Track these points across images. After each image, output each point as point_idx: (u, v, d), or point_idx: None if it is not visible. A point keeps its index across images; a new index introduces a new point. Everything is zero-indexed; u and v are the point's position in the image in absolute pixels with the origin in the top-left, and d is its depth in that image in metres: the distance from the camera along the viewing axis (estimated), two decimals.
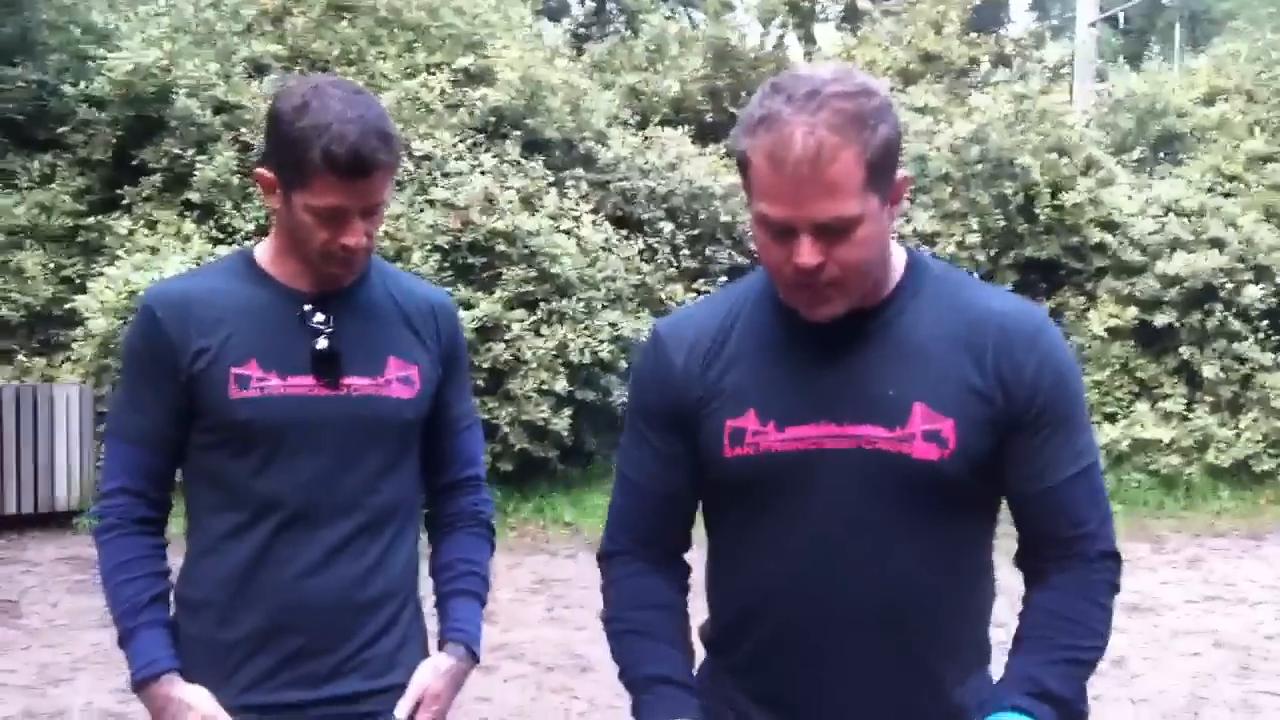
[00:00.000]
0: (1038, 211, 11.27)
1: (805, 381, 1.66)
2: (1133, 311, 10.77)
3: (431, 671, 2.19)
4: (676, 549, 1.86)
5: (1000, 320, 1.67)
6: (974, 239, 11.25)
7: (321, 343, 2.09)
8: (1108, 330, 10.79)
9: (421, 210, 9.53)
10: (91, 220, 10.25)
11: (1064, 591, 1.68)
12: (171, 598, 2.14)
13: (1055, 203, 11.24)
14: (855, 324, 1.66)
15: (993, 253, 11.41)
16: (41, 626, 5.96)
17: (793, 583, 1.69)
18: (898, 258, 1.71)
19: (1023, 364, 1.65)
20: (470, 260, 9.48)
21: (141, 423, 2.12)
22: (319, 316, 2.11)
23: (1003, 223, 11.38)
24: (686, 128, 12.01)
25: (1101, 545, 1.68)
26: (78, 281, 9.85)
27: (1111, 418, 10.45)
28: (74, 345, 9.25)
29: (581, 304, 9.45)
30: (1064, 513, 1.67)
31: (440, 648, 2.24)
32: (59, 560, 6.79)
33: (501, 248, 9.44)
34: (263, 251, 2.16)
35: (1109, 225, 11.19)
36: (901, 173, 1.62)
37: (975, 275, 8.79)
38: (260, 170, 2.07)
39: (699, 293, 10.30)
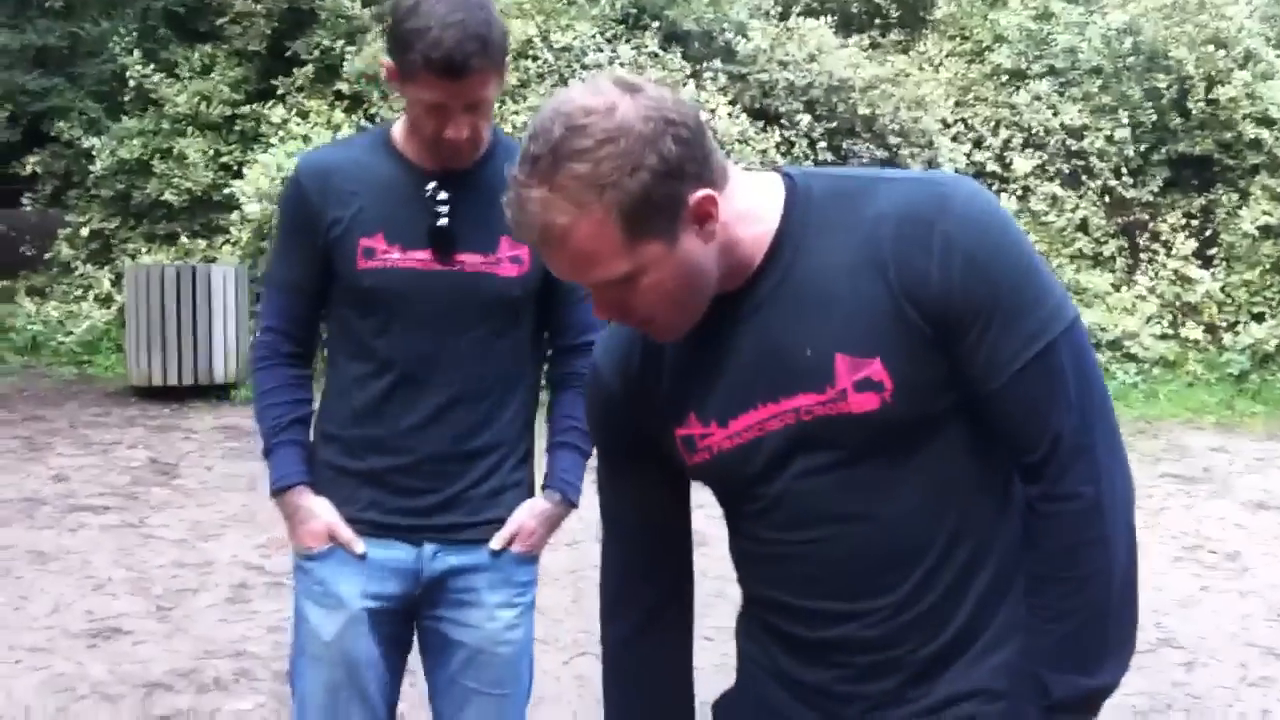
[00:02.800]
0: (1190, 106, 10.93)
1: (730, 369, 1.55)
2: None
3: (528, 511, 2.42)
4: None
5: (893, 224, 1.47)
6: (1123, 134, 10.99)
7: (441, 221, 2.31)
8: (1259, 229, 10.48)
9: None
10: (247, 109, 10.66)
11: (1041, 550, 1.52)
12: (312, 423, 2.45)
13: (1210, 97, 10.88)
14: (752, 295, 1.53)
15: (1143, 148, 11.13)
16: (196, 488, 6.38)
17: (788, 567, 1.61)
18: (771, 201, 1.53)
19: (924, 267, 1.44)
20: None
21: (289, 274, 2.43)
22: (441, 195, 2.32)
23: (1154, 117, 11.07)
24: (829, 18, 11.88)
25: (1070, 441, 1.47)
26: (235, 168, 10.29)
27: (1259, 317, 10.19)
28: (231, 229, 9.69)
29: None
30: (1020, 415, 1.47)
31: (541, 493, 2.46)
32: (215, 428, 7.23)
33: None
34: (398, 129, 2.40)
35: (1266, 121, 10.80)
36: (698, 195, 1.43)
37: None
38: (384, 59, 2.32)
39: None
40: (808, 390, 1.50)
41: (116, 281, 10.12)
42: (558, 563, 5.38)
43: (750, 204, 1.52)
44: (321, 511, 2.36)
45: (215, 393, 8.69)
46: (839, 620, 1.59)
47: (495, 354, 2.36)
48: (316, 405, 2.44)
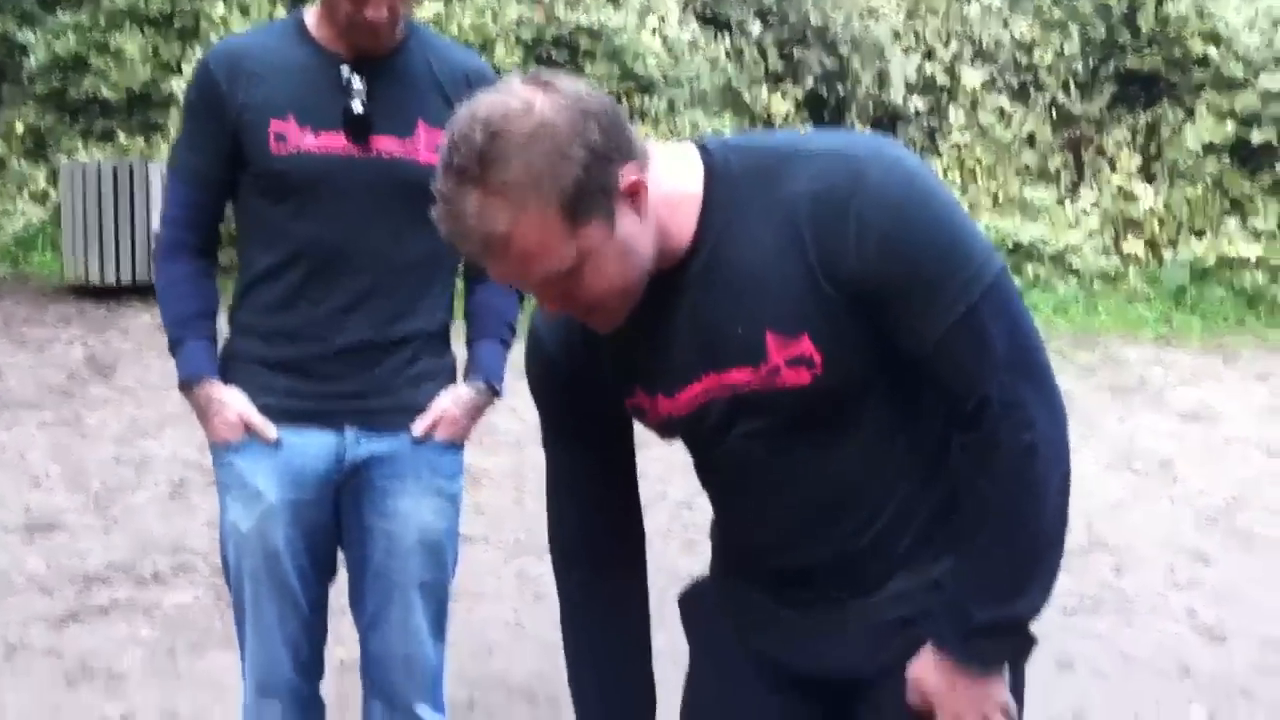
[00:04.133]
0: (1140, 22, 10.93)
1: (669, 346, 1.58)
2: (1230, 128, 10.48)
3: (450, 398, 2.41)
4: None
5: (808, 204, 1.47)
6: (1072, 49, 10.99)
7: (356, 107, 2.28)
8: (1204, 146, 10.54)
9: (506, 3, 9.53)
10: (187, 5, 10.38)
11: (972, 494, 1.57)
12: (222, 315, 2.40)
13: (1160, 13, 10.88)
14: (681, 276, 1.55)
15: (1092, 63, 11.14)
16: (134, 386, 6.32)
17: (736, 506, 1.72)
18: (692, 180, 1.54)
19: (841, 248, 1.46)
20: (553, 55, 9.49)
21: (194, 162, 2.37)
22: (356, 82, 2.27)
23: (1104, 34, 11.07)
24: None
25: (999, 397, 1.50)
26: (174, 65, 10.05)
27: (1200, 234, 10.29)
28: (169, 126, 9.49)
29: (664, 103, 9.45)
30: (949, 376, 1.52)
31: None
32: (153, 327, 7.11)
33: (585, 44, 9.43)
34: (311, 17, 2.34)
35: (1213, 38, 10.82)
36: (628, 173, 1.44)
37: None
38: None
39: (785, 96, 10.27)
40: (742, 364, 1.54)
41: (52, 179, 9.92)
42: (499, 465, 5.41)
43: (673, 185, 1.53)
44: (233, 401, 2.33)
45: (153, 291, 8.53)
46: (784, 551, 1.69)
47: (412, 243, 2.33)
48: (228, 296, 2.40)
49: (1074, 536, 5.12)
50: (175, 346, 2.37)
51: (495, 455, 5.51)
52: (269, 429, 2.32)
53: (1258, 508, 5.30)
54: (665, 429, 1.67)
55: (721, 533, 1.86)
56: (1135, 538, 4.95)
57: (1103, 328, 8.32)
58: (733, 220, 1.53)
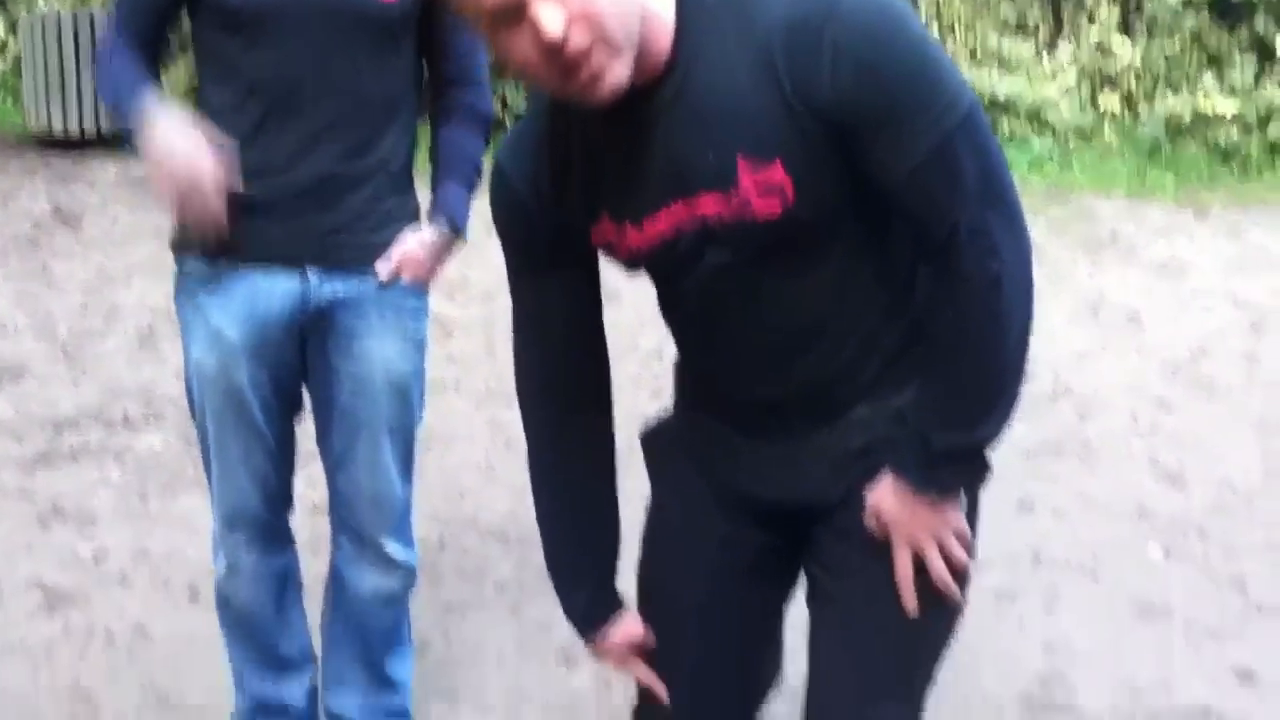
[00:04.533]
0: None
1: (638, 172, 1.56)
2: None
3: (414, 240, 2.39)
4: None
5: (783, 33, 1.45)
6: None
7: None
8: (1183, 1, 10.42)
9: None
10: None
11: (938, 323, 1.58)
12: None
13: None
14: (653, 101, 1.51)
15: None
16: (100, 237, 6.26)
17: (704, 340, 1.72)
18: (664, 8, 1.50)
19: (816, 77, 1.44)
20: None
21: None
22: None
23: None
24: None
25: (967, 227, 1.50)
26: None
27: (1176, 88, 10.22)
28: None
29: None
30: (920, 207, 1.51)
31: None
32: (118, 179, 7.06)
33: None
34: None
35: None
36: None
37: None
38: None
39: None
40: (712, 189, 1.52)
41: (12, 30, 9.70)
42: (470, 315, 5.42)
43: (650, 6, 1.49)
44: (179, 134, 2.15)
45: (118, 143, 8.43)
46: (749, 384, 1.70)
47: (372, 79, 2.30)
48: None
49: (1039, 384, 5.21)
50: (121, 108, 2.23)
51: (466, 306, 5.51)
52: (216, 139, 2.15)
53: (1221, 357, 5.36)
54: (633, 262, 1.66)
55: (685, 368, 1.87)
56: (1100, 386, 5.00)
57: (1077, 183, 8.30)
58: (706, 47, 1.50)
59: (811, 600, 1.84)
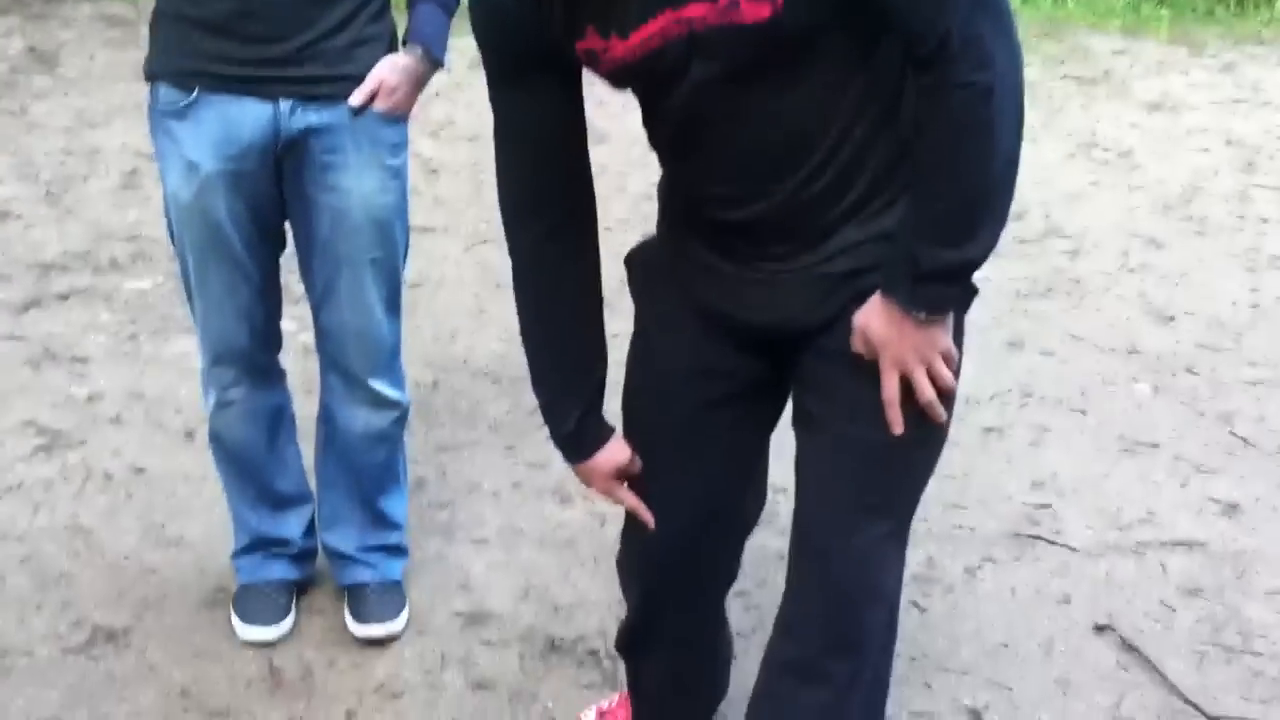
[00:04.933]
0: None
1: None
2: None
3: (388, 66, 2.34)
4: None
5: None
6: None
7: None
8: None
9: None
10: None
11: (928, 134, 1.57)
12: None
13: None
14: None
15: None
16: (78, 77, 6.13)
17: (694, 159, 1.70)
18: None
19: None
20: None
21: None
22: None
23: None
24: None
25: (959, 34, 1.49)
26: None
27: None
28: None
29: None
30: (910, 12, 1.51)
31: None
32: (94, 17, 6.87)
33: None
34: None
35: None
36: None
37: None
38: None
39: None
40: None
41: None
42: (457, 157, 5.35)
43: None
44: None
45: None
46: (742, 203, 1.69)
47: None
48: None
49: (1030, 224, 5.21)
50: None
51: (453, 148, 5.44)
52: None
53: (1214, 195, 5.33)
54: (618, 76, 1.64)
55: (670, 189, 1.85)
56: (1091, 224, 4.98)
57: (1071, 19, 8.14)
58: None
59: (797, 424, 1.86)
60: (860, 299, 1.69)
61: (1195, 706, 2.54)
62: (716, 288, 1.80)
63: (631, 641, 2.20)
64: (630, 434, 1.96)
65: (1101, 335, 4.07)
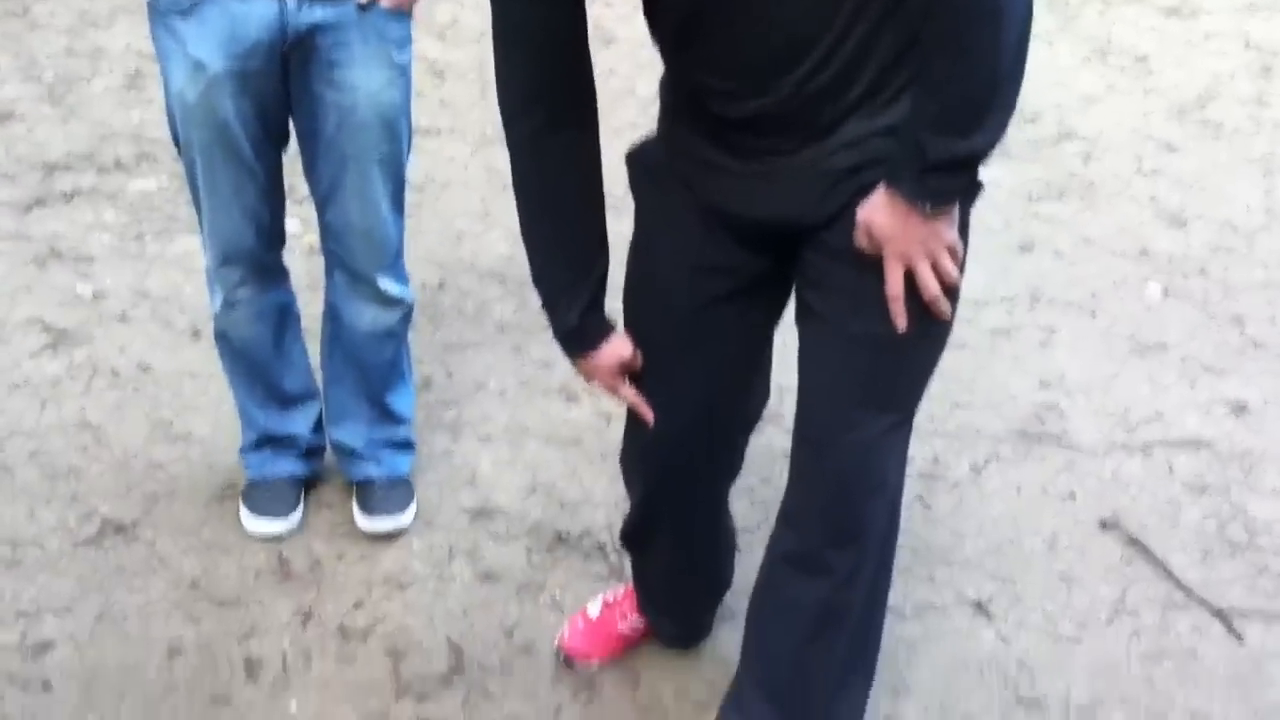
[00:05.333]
0: None
1: None
2: None
3: None
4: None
5: None
6: None
7: None
8: None
9: None
10: None
11: (936, 22, 1.54)
12: None
13: None
14: None
15: None
16: None
17: (699, 55, 1.67)
18: None
19: None
20: None
21: None
22: None
23: None
24: None
25: None
26: None
27: None
28: None
29: None
30: None
31: None
32: None
33: None
34: None
35: None
36: None
37: None
38: None
39: None
40: None
41: None
42: (463, 58, 5.28)
43: None
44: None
45: None
46: (748, 98, 1.66)
47: None
48: None
49: (1044, 127, 5.13)
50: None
51: (459, 48, 5.37)
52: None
53: (1230, 99, 5.25)
54: None
55: (672, 85, 1.82)
56: (1105, 128, 4.92)
57: None
58: None
59: (801, 320, 1.85)
60: (864, 194, 1.67)
61: (1199, 599, 2.55)
62: (718, 183, 1.77)
63: (634, 535, 2.21)
64: (631, 331, 1.95)
65: (1113, 238, 4.04)
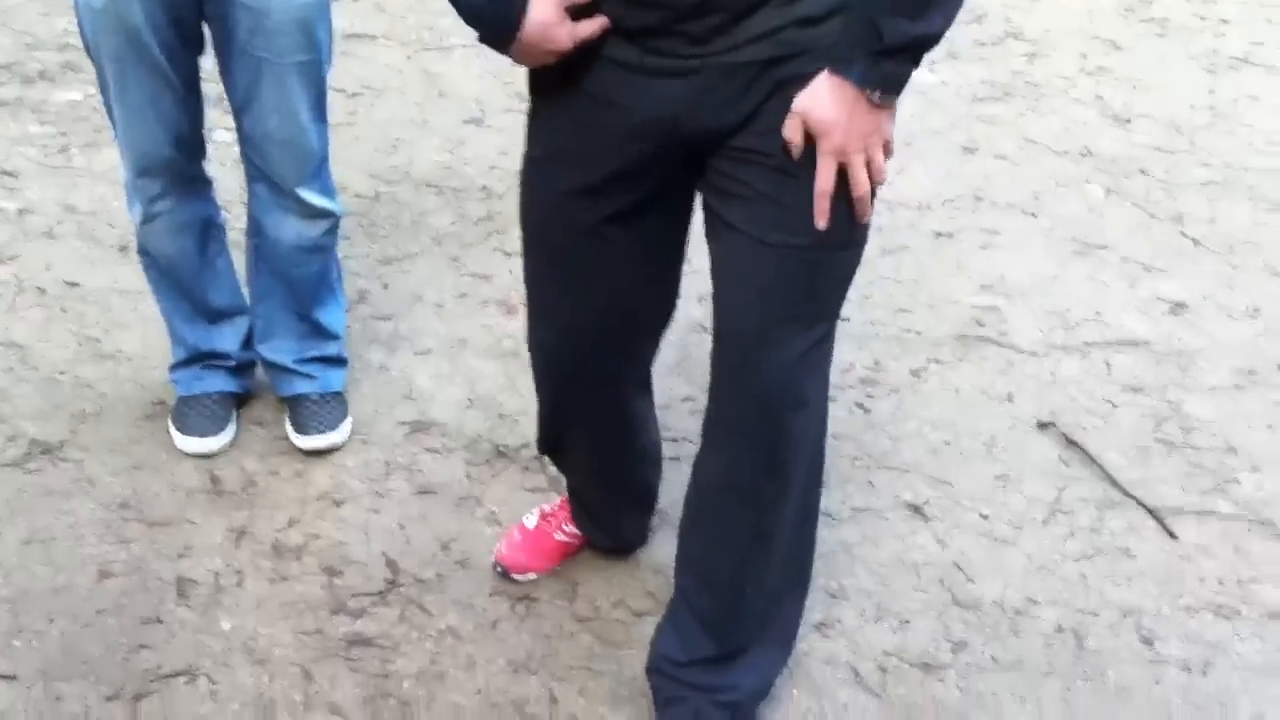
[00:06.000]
0: None
1: None
2: None
3: None
4: None
5: None
6: None
7: None
8: None
9: None
10: None
11: None
12: None
13: None
14: None
15: None
16: None
17: None
18: None
19: None
20: None
21: None
22: None
23: None
24: None
25: None
26: None
27: None
28: None
29: None
30: None
31: None
32: None
33: None
34: None
35: None
36: None
37: None
38: None
39: None
40: None
41: None
42: None
43: None
44: None
45: None
46: None
47: None
48: None
49: (990, 27, 5.07)
50: None
51: None
52: None
53: None
54: None
55: None
56: (1052, 27, 4.88)
57: None
58: None
59: (711, 236, 1.79)
60: (779, 95, 1.62)
61: (1133, 498, 2.57)
62: (628, 83, 1.70)
63: (547, 442, 2.19)
64: (532, 252, 1.90)
65: (1056, 138, 4.02)
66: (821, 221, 1.65)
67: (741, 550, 1.92)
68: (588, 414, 2.07)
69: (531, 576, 2.35)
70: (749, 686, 2.03)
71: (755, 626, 2.01)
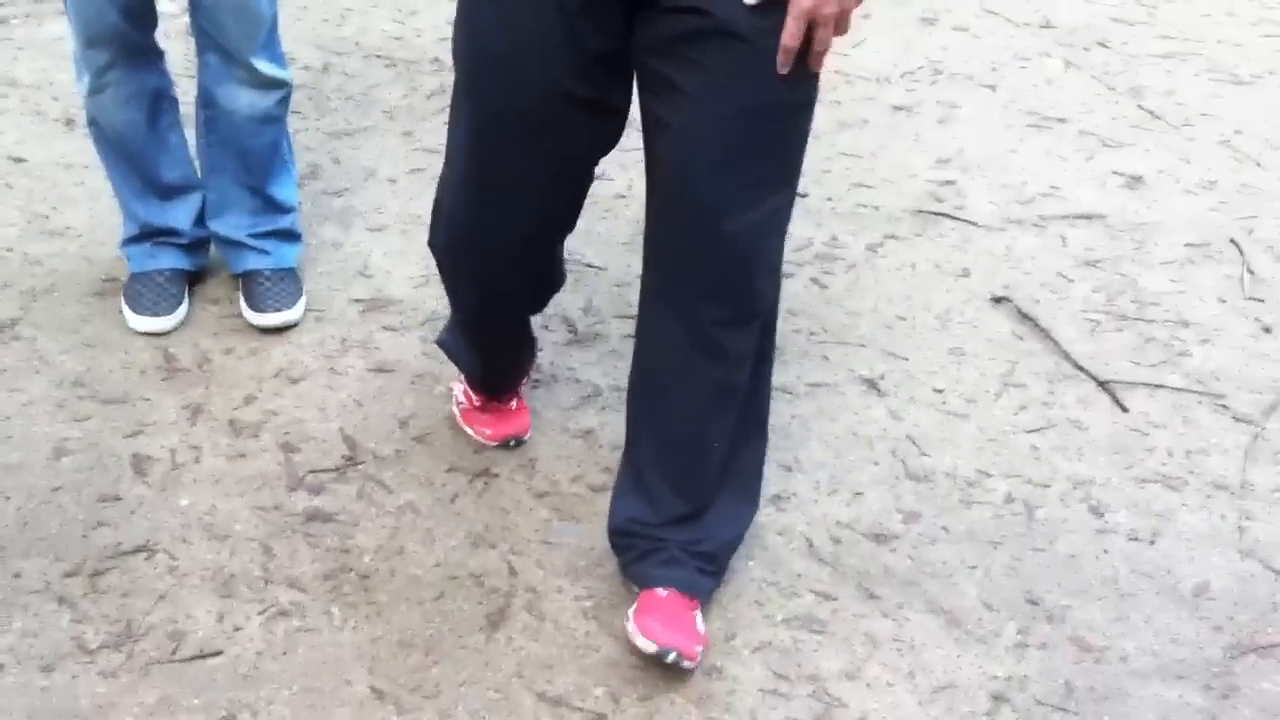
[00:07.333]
0: None
1: None
2: None
3: None
4: None
5: None
6: None
7: None
8: None
9: None
10: None
11: None
12: None
13: None
14: None
15: None
16: None
17: None
18: None
19: None
20: None
21: None
22: None
23: None
24: None
25: None
26: None
27: None
28: None
29: None
30: None
31: None
32: None
33: None
34: None
35: None
36: None
37: None
38: None
39: None
40: None
41: None
42: None
43: None
44: None
45: None
46: None
47: None
48: None
49: None
50: None
51: None
52: None
53: None
54: None
55: None
56: None
57: None
58: None
59: (662, 108, 1.75)
60: None
61: (1085, 371, 2.60)
62: None
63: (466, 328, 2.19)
64: (490, 124, 1.84)
65: (1016, 9, 3.98)
66: (783, 69, 1.64)
67: (710, 404, 1.94)
68: (509, 316, 2.07)
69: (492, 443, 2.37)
70: (723, 538, 2.06)
71: (720, 476, 2.03)
